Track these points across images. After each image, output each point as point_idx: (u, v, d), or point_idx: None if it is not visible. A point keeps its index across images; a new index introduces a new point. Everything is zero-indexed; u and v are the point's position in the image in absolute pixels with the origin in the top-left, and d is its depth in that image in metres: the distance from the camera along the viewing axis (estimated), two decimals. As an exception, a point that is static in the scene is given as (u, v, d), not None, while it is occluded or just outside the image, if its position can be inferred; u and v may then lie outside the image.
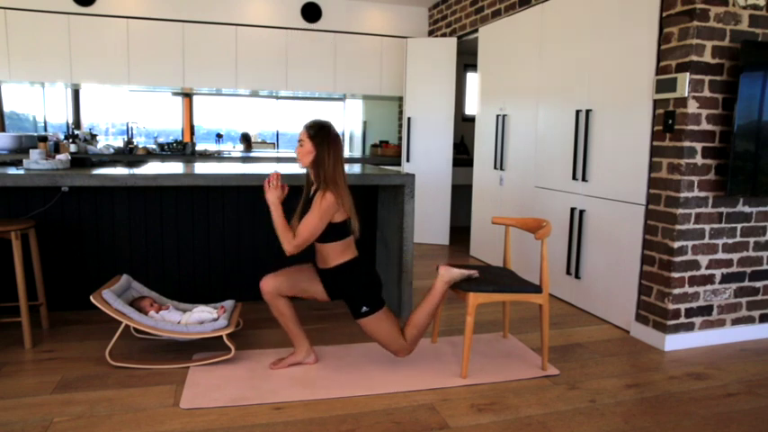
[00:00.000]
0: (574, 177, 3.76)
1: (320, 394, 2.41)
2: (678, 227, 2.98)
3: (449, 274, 2.64)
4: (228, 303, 2.94)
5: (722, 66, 2.91)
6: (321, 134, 2.48)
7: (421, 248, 5.57)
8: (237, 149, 6.58)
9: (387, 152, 6.45)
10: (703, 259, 3.06)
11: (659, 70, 3.06)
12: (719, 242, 3.08)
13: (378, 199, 3.82)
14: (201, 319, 2.77)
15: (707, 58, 2.89)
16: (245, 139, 6.60)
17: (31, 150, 3.15)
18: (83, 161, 3.53)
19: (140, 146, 5.80)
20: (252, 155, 6.22)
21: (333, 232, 2.51)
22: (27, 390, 2.39)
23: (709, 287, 3.10)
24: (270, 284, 2.54)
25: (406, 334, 2.64)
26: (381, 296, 2.64)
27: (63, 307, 3.39)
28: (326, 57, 6.06)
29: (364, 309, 2.56)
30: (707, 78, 2.90)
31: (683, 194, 2.95)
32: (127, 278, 2.92)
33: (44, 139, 4.55)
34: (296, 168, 3.27)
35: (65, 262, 3.38)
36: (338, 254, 2.55)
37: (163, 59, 5.63)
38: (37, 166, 3.06)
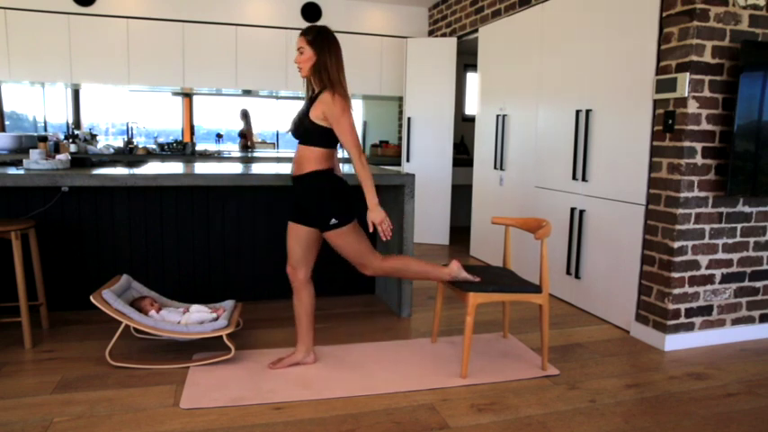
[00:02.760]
0: (574, 177, 3.76)
1: (320, 394, 2.41)
2: (678, 227, 2.98)
3: (458, 271, 2.66)
4: (228, 303, 2.94)
5: (722, 66, 2.91)
6: (320, 38, 2.43)
7: (421, 248, 5.57)
8: (235, 149, 6.56)
9: (387, 152, 6.45)
10: (703, 259, 3.06)
11: (659, 70, 3.06)
12: (719, 242, 3.08)
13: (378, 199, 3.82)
14: (201, 319, 2.76)
15: (707, 58, 2.89)
16: (245, 115, 6.51)
17: (31, 150, 3.15)
18: (83, 161, 3.53)
19: (140, 146, 5.79)
20: (252, 155, 6.22)
21: (322, 135, 2.45)
22: (27, 390, 2.39)
23: (709, 287, 3.10)
24: (302, 272, 2.56)
25: (389, 258, 2.62)
26: (353, 210, 2.53)
27: (63, 307, 3.39)
28: (326, 57, 6.04)
29: (333, 221, 2.47)
30: (707, 78, 2.90)
31: (683, 194, 2.95)
32: (127, 278, 2.92)
33: (44, 139, 4.54)
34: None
35: (65, 262, 3.38)
36: (316, 160, 2.47)
37: (163, 59, 5.62)
38: (37, 166, 3.06)
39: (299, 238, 2.59)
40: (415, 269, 2.68)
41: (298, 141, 2.52)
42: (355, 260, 2.57)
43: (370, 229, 2.48)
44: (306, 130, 2.46)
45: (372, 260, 2.57)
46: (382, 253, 3.55)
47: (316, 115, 2.42)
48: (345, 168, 3.87)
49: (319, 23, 5.97)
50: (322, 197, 2.49)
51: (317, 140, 2.46)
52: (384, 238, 2.47)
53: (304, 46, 2.43)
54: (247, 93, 6.28)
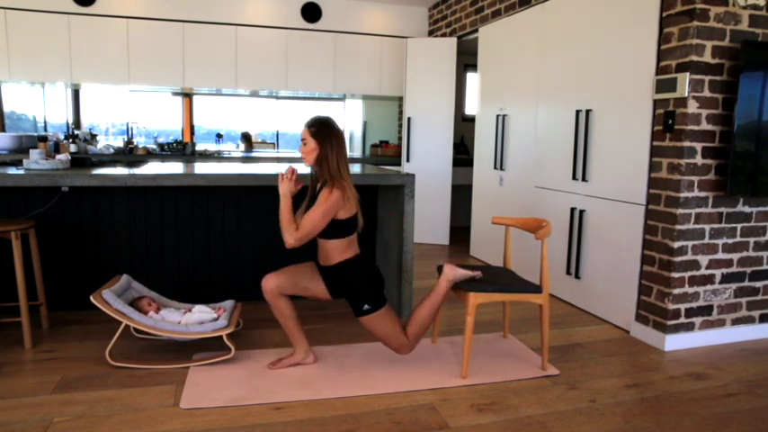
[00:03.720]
0: (574, 177, 3.76)
1: (320, 394, 2.41)
2: (678, 227, 2.98)
3: (453, 273, 2.65)
4: (228, 303, 2.94)
5: (722, 66, 2.91)
6: (323, 130, 2.49)
7: (421, 248, 5.57)
8: (239, 150, 6.58)
9: (387, 152, 6.45)
10: (703, 259, 3.06)
11: (659, 70, 3.06)
12: (719, 242, 3.08)
13: (378, 199, 3.82)
14: (201, 319, 2.76)
15: (707, 58, 2.89)
16: (246, 138, 6.59)
17: (31, 150, 3.15)
18: (83, 161, 3.53)
19: (140, 146, 5.80)
20: (252, 155, 6.22)
21: (336, 229, 2.51)
22: (27, 390, 2.39)
23: (709, 287, 3.10)
24: (271, 283, 2.53)
25: (408, 331, 2.65)
26: (383, 294, 2.63)
27: (63, 307, 3.39)
28: (326, 57, 6.06)
29: (366, 307, 2.55)
30: (707, 78, 2.90)
31: (683, 194, 2.95)
32: (127, 278, 2.92)
33: (44, 139, 4.54)
34: (298, 167, 3.27)
35: (65, 262, 3.38)
36: (341, 251, 2.56)
37: (163, 59, 5.63)
38: (37, 166, 3.06)
39: (309, 278, 2.61)
40: (429, 310, 2.66)
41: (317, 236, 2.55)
42: (391, 343, 2.63)
43: (280, 179, 2.50)
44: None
45: (404, 338, 2.62)
46: (384, 260, 3.57)
47: None
48: (355, 168, 3.87)
49: (320, 24, 5.98)
50: (353, 285, 2.57)
51: (333, 234, 2.52)
52: (282, 177, 2.50)
53: (307, 138, 2.50)
54: (248, 93, 6.28)
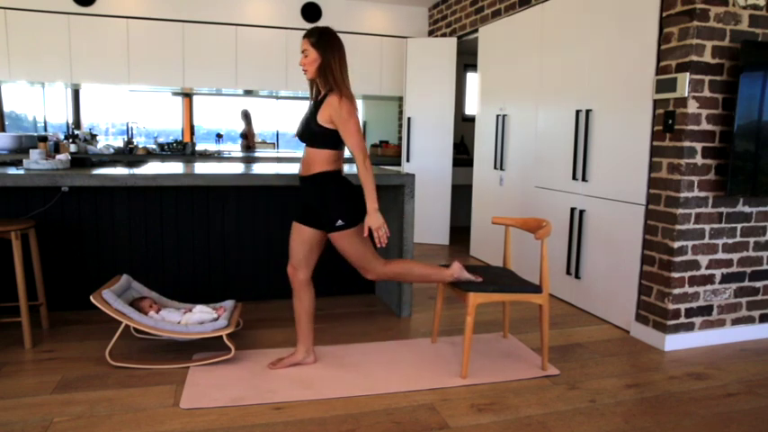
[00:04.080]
0: (574, 177, 3.76)
1: (320, 394, 2.41)
2: (678, 227, 2.98)
3: (460, 272, 2.66)
4: (228, 303, 2.94)
5: (722, 66, 2.91)
6: (324, 39, 2.43)
7: (421, 248, 5.57)
8: (236, 150, 6.56)
9: (387, 152, 6.45)
10: (703, 259, 3.06)
11: (659, 70, 3.06)
12: (719, 242, 3.08)
13: (378, 199, 3.81)
14: (201, 319, 2.76)
15: (707, 58, 2.89)
16: (246, 116, 6.51)
17: (31, 150, 3.15)
18: (83, 161, 3.53)
19: (140, 146, 5.79)
20: (252, 155, 6.22)
21: (329, 138, 2.45)
22: (27, 390, 2.39)
23: (709, 287, 3.10)
24: (302, 273, 2.55)
25: (390, 263, 2.62)
26: (360, 214, 2.51)
27: (63, 307, 3.39)
28: (326, 57, 6.04)
29: (339, 222, 2.46)
30: (707, 78, 2.90)
31: (683, 194, 2.95)
32: (127, 278, 2.92)
33: (44, 139, 4.54)
34: (297, 168, 3.26)
35: (65, 262, 3.38)
36: (324, 162, 2.48)
37: (163, 59, 5.62)
38: (37, 166, 3.06)
39: (302, 239, 2.59)
40: (418, 272, 2.68)
41: (305, 144, 2.53)
42: (358, 263, 2.57)
43: (365, 234, 2.46)
44: (313, 133, 2.46)
45: (375, 264, 2.57)
46: (383, 257, 3.55)
47: (323, 118, 2.42)
48: (355, 169, 3.87)
49: (320, 24, 5.98)
50: (329, 198, 2.49)
51: (325, 143, 2.46)
52: (379, 245, 2.46)
53: (308, 48, 2.43)
54: (248, 93, 6.28)
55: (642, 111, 3.18)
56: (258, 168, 3.61)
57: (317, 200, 2.51)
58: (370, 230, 2.45)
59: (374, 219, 2.43)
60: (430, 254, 5.34)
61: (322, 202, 2.49)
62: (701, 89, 2.90)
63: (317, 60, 2.43)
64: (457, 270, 2.66)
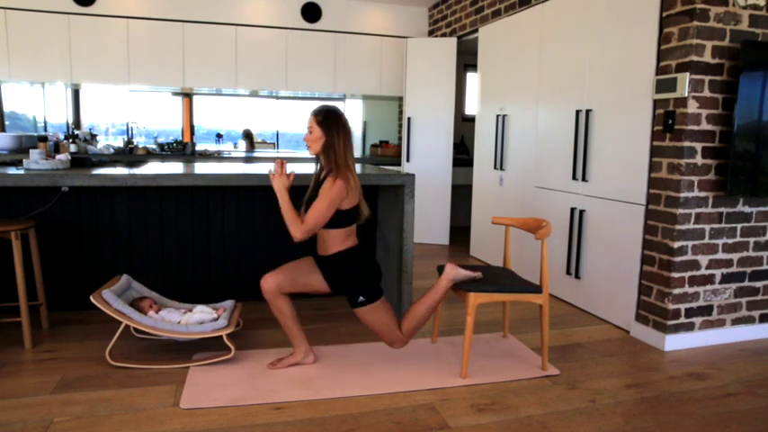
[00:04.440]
0: (574, 177, 3.76)
1: (320, 394, 2.41)
2: (678, 227, 2.98)
3: (455, 272, 2.65)
4: (228, 303, 2.94)
5: (722, 66, 2.91)
6: (329, 119, 2.48)
7: (421, 248, 5.57)
8: (240, 149, 6.57)
9: (387, 152, 6.45)
10: (703, 259, 3.06)
11: (659, 70, 3.06)
12: (719, 242, 3.08)
13: (378, 199, 3.82)
14: (201, 319, 2.76)
15: (707, 58, 2.89)
16: (248, 136, 6.56)
17: (31, 150, 3.15)
18: (83, 161, 3.53)
19: (140, 146, 5.80)
20: (252, 155, 6.22)
21: (338, 218, 2.50)
22: (27, 390, 2.39)
23: (709, 287, 3.10)
24: (270, 282, 2.51)
25: (404, 325, 2.65)
26: (380, 286, 2.63)
27: (63, 307, 3.39)
28: (326, 57, 6.06)
29: (361, 298, 2.55)
30: (707, 78, 2.90)
31: (683, 194, 2.95)
32: (127, 278, 2.92)
33: (44, 139, 4.54)
34: (297, 167, 3.27)
35: (65, 262, 3.38)
36: (340, 241, 2.55)
37: (163, 59, 5.63)
38: (37, 166, 3.06)
39: (308, 273, 2.60)
40: (425, 309, 2.66)
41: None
42: (385, 336, 2.64)
43: (271, 177, 2.53)
44: None
45: (398, 334, 2.64)
46: (385, 260, 3.57)
47: None
48: (356, 168, 3.87)
49: (320, 24, 5.98)
50: (349, 276, 2.56)
51: (334, 224, 2.51)
52: (272, 175, 2.53)
53: (314, 125, 2.50)
54: (247, 93, 6.28)
55: (642, 111, 3.18)
56: (258, 168, 3.61)
57: (339, 278, 2.58)
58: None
59: (277, 182, 2.53)
60: (430, 254, 5.34)
61: (344, 280, 2.57)
62: (701, 89, 2.90)
63: (321, 139, 2.49)
64: (452, 271, 2.65)
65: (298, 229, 2.43)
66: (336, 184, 2.42)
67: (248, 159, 5.95)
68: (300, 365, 2.68)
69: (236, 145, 6.65)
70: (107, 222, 3.43)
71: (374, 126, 6.99)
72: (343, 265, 2.57)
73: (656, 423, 2.26)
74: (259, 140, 6.80)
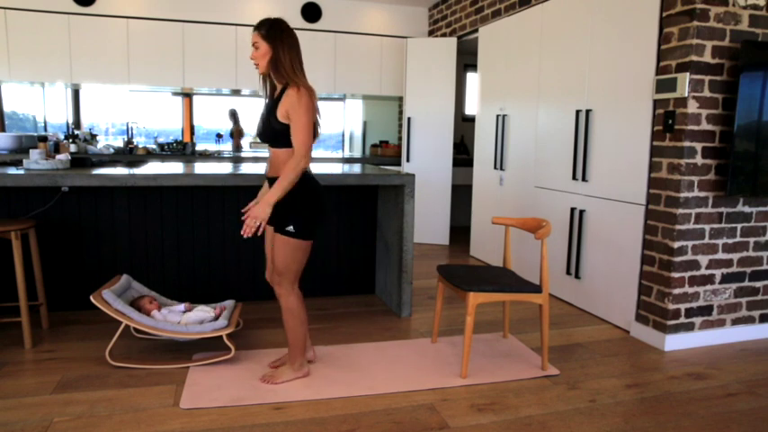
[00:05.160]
0: (574, 177, 3.76)
1: (320, 394, 2.41)
2: (678, 227, 2.98)
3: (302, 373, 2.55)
4: (228, 303, 2.94)
5: (722, 66, 2.91)
6: (273, 31, 2.31)
7: (421, 248, 5.57)
8: (228, 144, 6.55)
9: (387, 152, 6.45)
10: (703, 259, 3.06)
11: (659, 70, 3.06)
12: (719, 242, 3.08)
13: (378, 199, 3.82)
14: (201, 318, 2.76)
15: (707, 58, 2.89)
16: (233, 115, 6.53)
17: (31, 150, 3.15)
18: (83, 161, 3.53)
19: (140, 146, 5.80)
20: (252, 155, 6.22)
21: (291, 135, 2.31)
22: (27, 390, 2.39)
23: (709, 287, 3.10)
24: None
25: (298, 294, 2.46)
26: (313, 231, 2.40)
27: (63, 307, 3.39)
28: (326, 57, 6.06)
29: (290, 228, 2.34)
30: (707, 78, 2.90)
31: (683, 194, 2.95)
32: (127, 278, 2.92)
33: (44, 139, 4.54)
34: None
35: (65, 262, 3.38)
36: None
37: (163, 59, 5.62)
38: (37, 166, 3.06)
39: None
40: (296, 329, 2.46)
41: (267, 144, 2.41)
42: (278, 269, 2.40)
43: (244, 217, 2.30)
44: (274, 132, 2.34)
45: (290, 283, 2.41)
46: (385, 260, 3.54)
47: (282, 114, 2.30)
48: (355, 168, 3.88)
49: (320, 23, 5.98)
50: (292, 200, 2.33)
51: (289, 141, 2.31)
52: (242, 233, 2.26)
53: (258, 40, 2.32)
54: (248, 93, 6.28)
55: (642, 111, 3.18)
56: (257, 168, 3.61)
57: (281, 201, 2.33)
58: (245, 215, 2.31)
59: (262, 209, 2.25)
60: (430, 254, 5.34)
61: (283, 202, 2.32)
62: (701, 89, 2.90)
63: (267, 53, 2.32)
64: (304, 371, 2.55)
65: (298, 163, 2.25)
66: (302, 92, 2.24)
67: (247, 160, 5.94)
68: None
69: (232, 142, 6.56)
70: (107, 222, 3.43)
71: (374, 126, 6.99)
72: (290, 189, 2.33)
73: (656, 423, 2.26)
74: (259, 140, 6.79)
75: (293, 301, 2.44)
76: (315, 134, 2.37)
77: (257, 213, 2.26)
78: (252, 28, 2.39)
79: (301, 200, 2.36)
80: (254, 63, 2.37)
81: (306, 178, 2.37)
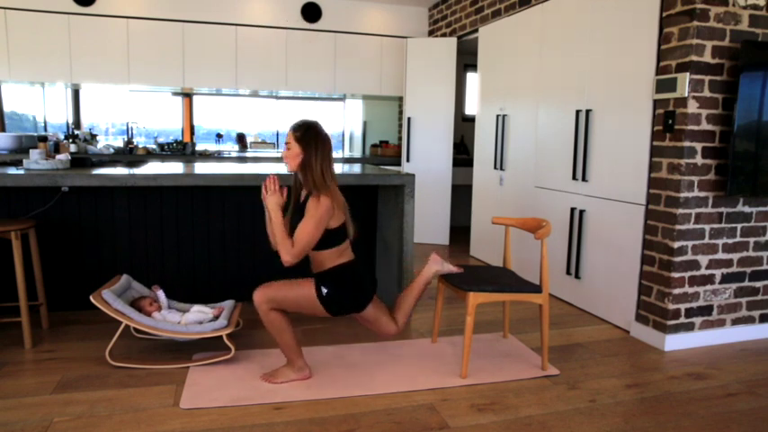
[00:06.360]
0: (574, 177, 3.76)
1: (320, 394, 2.41)
2: (678, 227, 2.98)
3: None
4: (228, 303, 2.94)
5: (722, 66, 2.91)
6: (308, 135, 2.38)
7: (421, 248, 5.57)
8: (235, 150, 6.58)
9: (387, 152, 6.45)
10: (703, 259, 3.06)
11: (659, 70, 3.06)
12: (719, 242, 3.08)
13: (378, 199, 3.82)
14: (201, 319, 2.77)
15: (707, 58, 2.89)
16: (240, 139, 6.61)
17: (31, 150, 3.15)
18: (83, 161, 3.53)
19: (140, 146, 5.80)
20: (252, 155, 6.22)
21: (328, 239, 2.41)
22: (27, 390, 2.39)
23: (709, 287, 3.10)
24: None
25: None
26: (349, 307, 2.47)
27: (63, 307, 3.39)
28: (326, 57, 6.06)
29: (324, 290, 2.40)
30: (707, 78, 2.90)
31: (683, 194, 2.95)
32: (127, 278, 2.92)
33: (44, 139, 4.55)
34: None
35: (65, 262, 3.38)
36: (332, 259, 2.45)
37: (163, 59, 5.62)
38: (37, 166, 3.06)
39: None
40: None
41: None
42: (278, 296, 2.39)
43: (264, 193, 2.42)
44: None
45: (272, 305, 2.39)
46: (385, 260, 3.55)
47: None
48: (355, 168, 3.88)
49: (321, 23, 5.98)
50: (334, 282, 2.43)
51: (325, 244, 2.41)
52: (266, 187, 2.41)
53: (291, 141, 2.39)
54: (248, 93, 6.28)
55: (642, 111, 3.18)
56: (258, 168, 3.61)
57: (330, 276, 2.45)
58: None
59: (271, 200, 2.40)
60: (430, 254, 5.33)
61: (331, 278, 2.44)
62: (701, 89, 2.90)
63: (299, 156, 2.38)
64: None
65: (288, 252, 2.31)
66: (322, 202, 2.32)
67: (248, 159, 5.94)
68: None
69: (234, 147, 6.67)
70: (107, 222, 3.43)
71: (374, 126, 6.99)
72: (333, 278, 2.44)
73: (656, 423, 2.26)
74: (259, 140, 6.80)
75: (274, 316, 2.41)
76: (346, 234, 2.48)
77: (269, 201, 2.40)
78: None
79: (341, 283, 2.44)
80: (285, 162, 2.44)
81: (346, 266, 2.47)
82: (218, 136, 6.64)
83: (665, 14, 3.02)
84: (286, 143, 2.42)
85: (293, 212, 2.47)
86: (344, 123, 7.07)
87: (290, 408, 2.29)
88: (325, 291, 2.40)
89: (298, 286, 2.42)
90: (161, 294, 2.90)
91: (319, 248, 2.43)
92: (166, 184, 3.01)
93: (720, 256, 3.10)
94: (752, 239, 3.15)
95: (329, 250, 2.44)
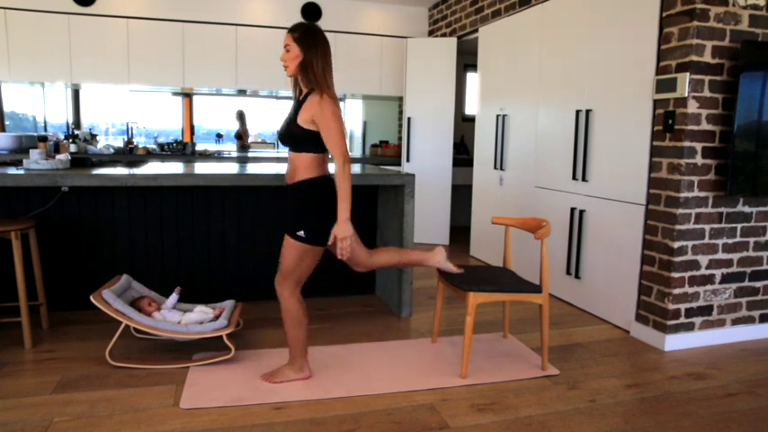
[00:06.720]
0: (574, 177, 3.76)
1: (320, 394, 2.41)
2: (678, 227, 2.98)
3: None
4: (228, 303, 2.94)
5: (722, 66, 2.91)
6: (308, 36, 2.31)
7: (421, 248, 5.56)
8: (234, 150, 6.57)
9: (387, 152, 6.45)
10: (703, 259, 3.06)
11: (659, 70, 3.06)
12: (719, 242, 3.08)
13: (378, 199, 3.82)
14: (201, 319, 2.77)
15: (707, 58, 2.89)
16: (240, 116, 6.50)
17: (31, 150, 3.15)
18: (83, 161, 3.53)
19: (140, 146, 5.79)
20: (252, 155, 6.22)
21: (311, 141, 2.32)
22: (27, 390, 2.39)
23: (709, 287, 3.10)
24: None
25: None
26: (325, 238, 2.36)
27: (63, 307, 3.39)
28: (326, 57, 6.05)
29: (301, 233, 2.33)
30: (707, 78, 2.90)
31: (683, 194, 2.95)
32: (127, 278, 2.92)
33: (44, 139, 4.54)
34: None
35: (65, 262, 3.38)
36: (308, 167, 2.35)
37: (163, 59, 5.62)
38: (37, 166, 3.06)
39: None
40: (295, 333, 2.48)
41: (288, 148, 2.41)
42: (283, 271, 2.41)
43: (331, 242, 2.34)
44: (295, 137, 2.34)
45: (292, 287, 2.42)
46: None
47: (304, 119, 2.30)
48: (355, 168, 3.87)
49: (318, 22, 5.98)
50: (307, 205, 2.37)
51: (308, 146, 2.34)
52: (339, 256, 2.33)
53: (290, 43, 2.32)
54: (247, 92, 6.28)
55: (642, 111, 3.18)
56: (258, 168, 3.61)
57: (300, 207, 2.39)
58: (335, 240, 2.32)
59: (343, 228, 2.29)
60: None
61: (299, 205, 2.38)
62: (701, 89, 2.90)
63: (298, 57, 2.31)
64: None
65: (344, 170, 2.25)
66: (325, 100, 2.25)
67: (248, 160, 5.95)
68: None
69: (237, 143, 6.61)
70: (107, 222, 3.43)
71: (374, 126, 6.99)
72: (306, 195, 2.36)
73: (656, 423, 2.26)
74: (259, 140, 6.80)
75: (293, 305, 2.44)
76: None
77: (342, 233, 2.29)
78: (285, 30, 2.38)
79: (319, 203, 2.36)
80: (284, 65, 2.37)
81: (318, 182, 2.37)
82: (219, 136, 6.64)
83: (665, 14, 3.03)
84: (285, 45, 2.34)
85: (291, 112, 2.40)
86: (344, 123, 7.06)
87: (289, 408, 2.29)
88: (301, 233, 2.33)
89: (287, 251, 2.39)
90: (174, 297, 2.88)
91: (299, 149, 2.35)
92: (166, 184, 3.01)
93: (720, 256, 3.10)
94: (752, 239, 3.15)
95: (308, 154, 2.34)
